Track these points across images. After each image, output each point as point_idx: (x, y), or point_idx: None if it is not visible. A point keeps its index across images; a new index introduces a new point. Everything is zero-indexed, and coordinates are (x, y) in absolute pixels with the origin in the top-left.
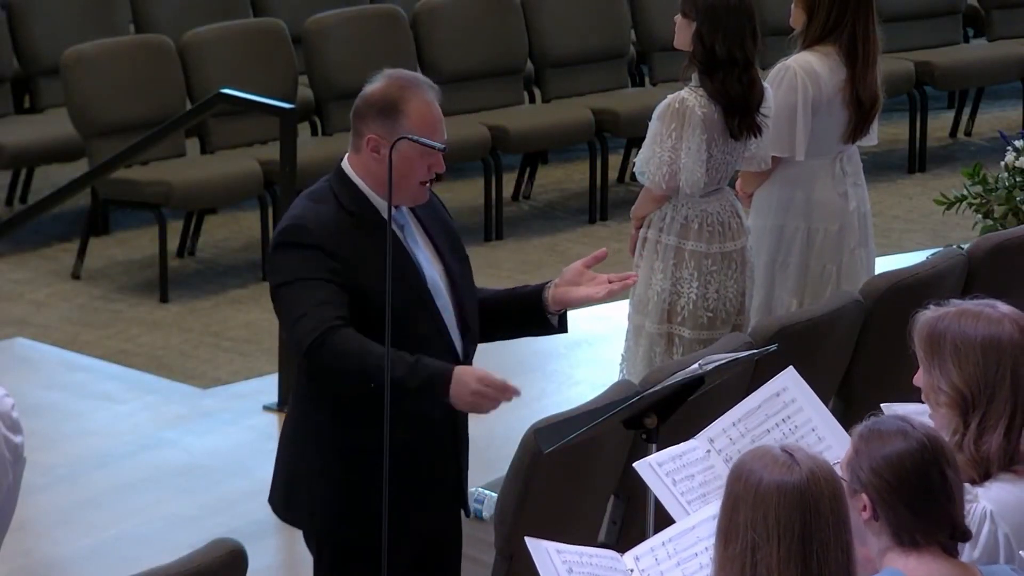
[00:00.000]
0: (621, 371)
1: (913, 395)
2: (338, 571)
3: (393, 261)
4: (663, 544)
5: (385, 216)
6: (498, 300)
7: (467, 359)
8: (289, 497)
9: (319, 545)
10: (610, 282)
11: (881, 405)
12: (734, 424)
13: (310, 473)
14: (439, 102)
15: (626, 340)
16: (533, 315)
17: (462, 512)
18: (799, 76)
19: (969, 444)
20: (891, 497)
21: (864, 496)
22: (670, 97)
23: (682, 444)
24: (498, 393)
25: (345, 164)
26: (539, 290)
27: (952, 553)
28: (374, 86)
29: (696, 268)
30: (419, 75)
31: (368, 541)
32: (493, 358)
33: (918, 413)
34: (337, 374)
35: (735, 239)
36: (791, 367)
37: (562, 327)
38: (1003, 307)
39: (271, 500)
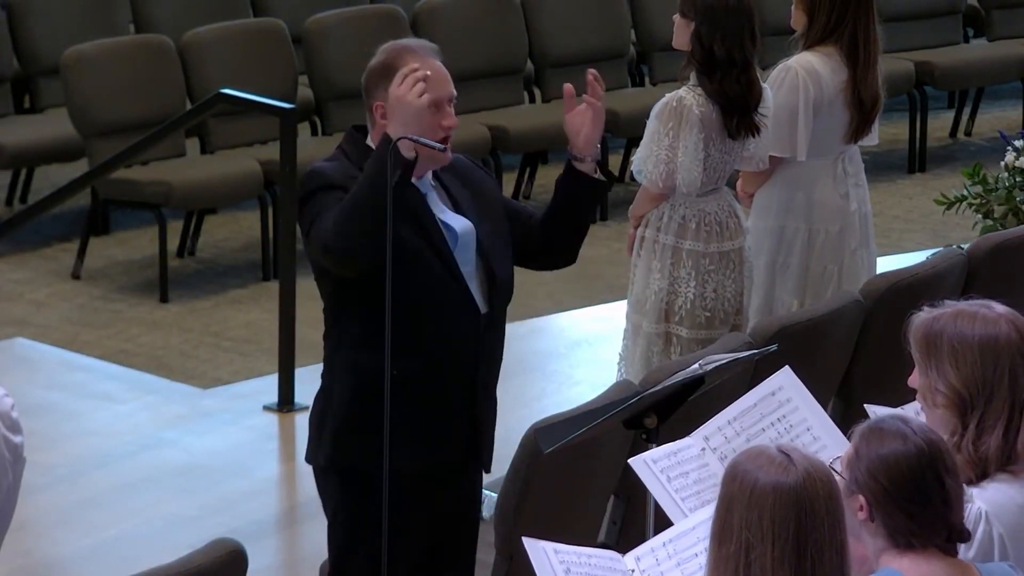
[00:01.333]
0: (619, 371)
1: (912, 395)
2: (346, 503)
3: (408, 207)
4: (664, 545)
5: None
6: (550, 206)
7: (492, 315)
8: (314, 433)
9: (329, 478)
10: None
11: (865, 406)
12: (729, 423)
13: (331, 402)
14: (439, 59)
15: (624, 339)
16: (576, 186)
17: (484, 468)
18: (800, 77)
19: (967, 445)
20: (886, 500)
21: (861, 497)
22: (668, 96)
23: (677, 441)
24: (411, 76)
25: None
26: (565, 167)
27: (949, 552)
28: (374, 59)
29: (694, 268)
30: (421, 40)
31: (377, 474)
32: None
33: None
34: (344, 237)
35: (733, 239)
36: (787, 367)
37: (604, 174)
38: (999, 307)
39: (307, 452)
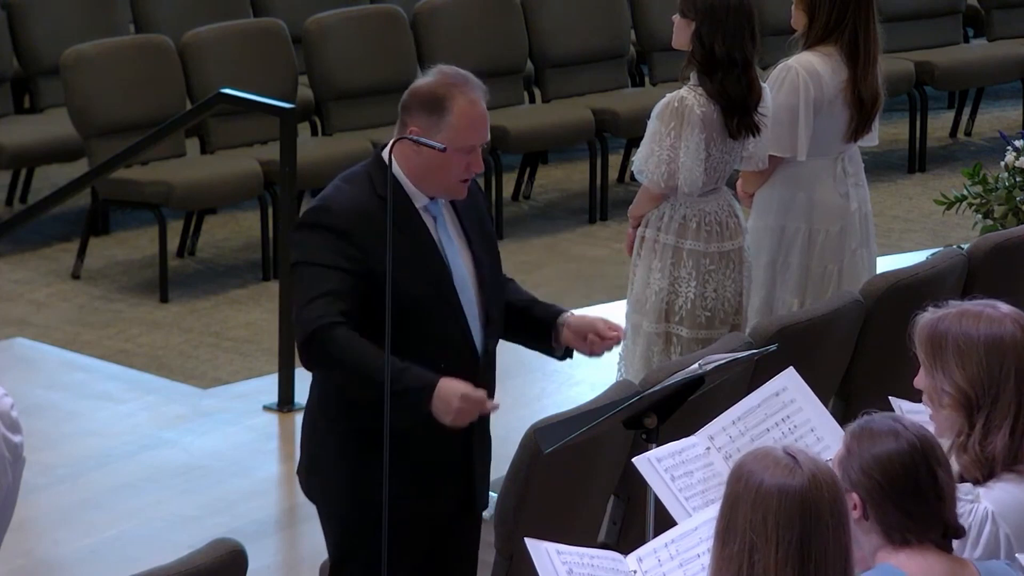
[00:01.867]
0: (619, 370)
1: (913, 395)
2: (348, 553)
3: (419, 252)
4: (666, 545)
5: (418, 205)
6: (518, 309)
7: (487, 354)
8: (309, 476)
9: (330, 525)
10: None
11: (889, 398)
12: (734, 422)
13: (324, 455)
14: (486, 100)
15: (624, 339)
16: (542, 339)
17: (477, 515)
18: (801, 76)
19: (974, 445)
20: (880, 497)
21: (854, 495)
22: (669, 96)
23: (682, 440)
24: (476, 408)
25: (386, 152)
26: (553, 319)
27: (945, 548)
28: (424, 80)
29: (694, 267)
30: (469, 74)
31: (378, 524)
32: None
33: (920, 412)
34: (327, 368)
35: (733, 238)
36: (791, 367)
37: (567, 357)
38: (1004, 307)
39: (298, 472)
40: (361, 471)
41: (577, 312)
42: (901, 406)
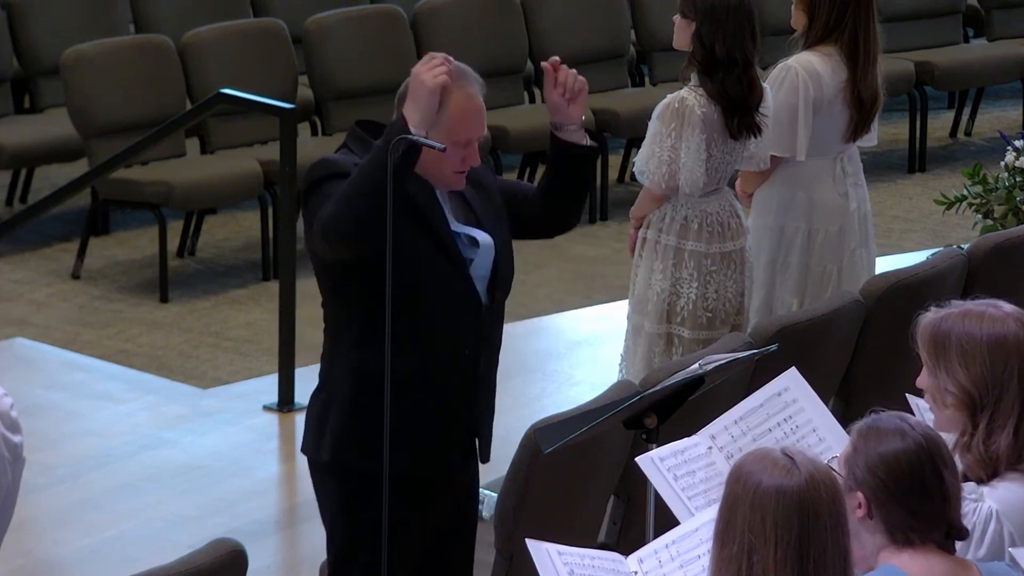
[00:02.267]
0: (620, 371)
1: (914, 395)
2: (345, 501)
3: (418, 202)
4: (667, 546)
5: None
6: (545, 180)
7: (493, 304)
8: (312, 426)
9: (328, 474)
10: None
11: (907, 396)
12: (736, 422)
13: (331, 397)
14: (483, 94)
15: (625, 340)
16: (562, 154)
17: (483, 460)
18: (800, 76)
19: (978, 444)
20: (886, 496)
21: (859, 494)
22: (670, 97)
23: (684, 440)
24: (425, 66)
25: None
26: (552, 144)
27: (948, 550)
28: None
29: (696, 268)
30: (466, 67)
31: (377, 471)
32: None
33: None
34: (345, 221)
35: (734, 239)
36: (793, 368)
37: (597, 138)
38: (1006, 306)
39: (303, 443)
40: (371, 407)
41: (578, 312)
42: (919, 404)
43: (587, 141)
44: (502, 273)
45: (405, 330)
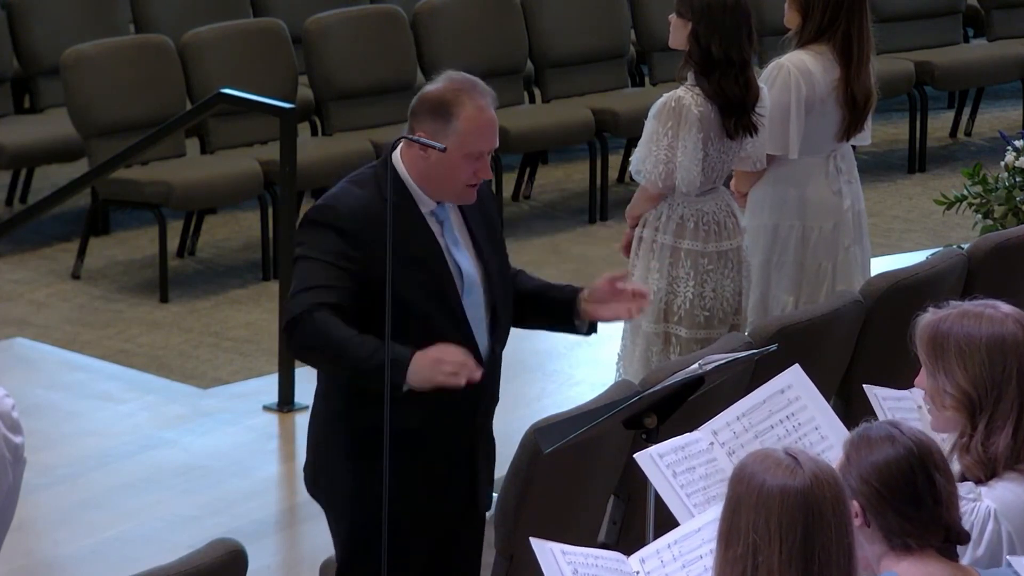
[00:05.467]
0: (618, 370)
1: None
2: (355, 553)
3: (423, 257)
4: (668, 546)
5: (424, 210)
6: (534, 295)
7: (492, 357)
8: (315, 476)
9: (338, 525)
10: (633, 299)
11: (864, 386)
12: (738, 418)
13: (330, 454)
14: (495, 106)
15: (623, 339)
16: (564, 319)
17: (481, 516)
18: (793, 75)
19: (976, 445)
20: (880, 503)
21: (855, 503)
22: (666, 96)
23: (685, 435)
24: (456, 362)
25: (396, 155)
26: (572, 297)
27: (948, 555)
28: (432, 86)
29: (692, 267)
30: (478, 80)
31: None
32: None
33: (899, 398)
34: (306, 353)
35: (731, 238)
36: (796, 365)
37: (592, 331)
38: (1004, 307)
39: (305, 472)
40: (367, 470)
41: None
42: (878, 394)
43: (582, 327)
44: (502, 320)
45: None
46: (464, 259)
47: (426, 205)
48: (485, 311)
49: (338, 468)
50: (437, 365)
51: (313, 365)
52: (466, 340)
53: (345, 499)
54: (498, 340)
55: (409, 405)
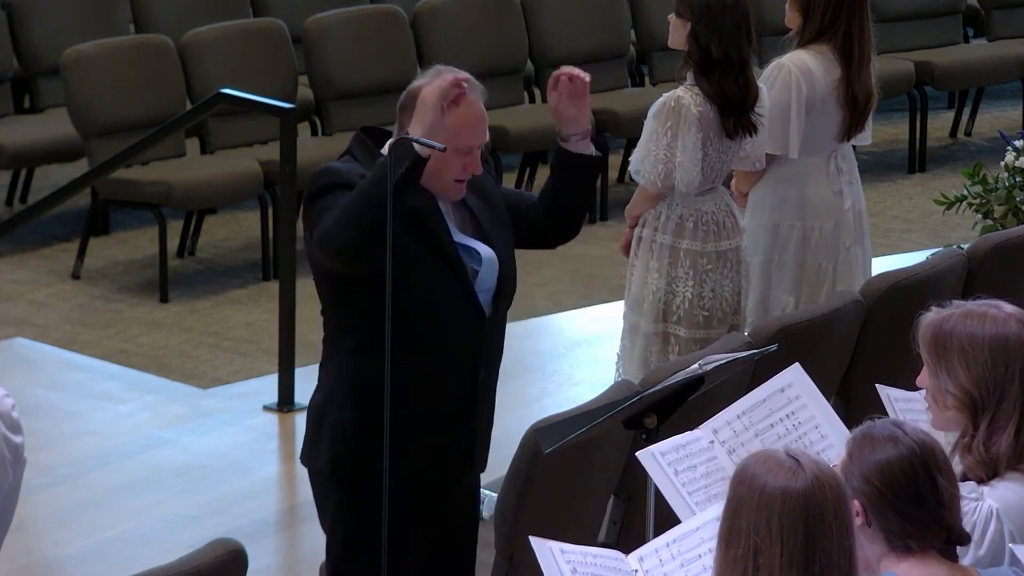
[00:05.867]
0: (617, 370)
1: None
2: (344, 510)
3: (420, 214)
4: (667, 545)
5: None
6: (548, 190)
7: (495, 314)
8: (311, 435)
9: (327, 483)
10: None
11: (876, 386)
12: (739, 416)
13: (330, 407)
14: (483, 100)
15: (622, 340)
16: (574, 167)
17: (477, 474)
18: (793, 74)
19: (978, 445)
20: (881, 504)
21: (857, 502)
22: (665, 95)
23: (686, 434)
24: (448, 80)
25: (387, 149)
26: (556, 153)
27: (949, 556)
28: (421, 81)
29: (691, 267)
30: (468, 76)
31: (376, 482)
32: None
33: (910, 399)
34: (345, 232)
35: (730, 238)
36: (797, 364)
37: (600, 150)
38: (1007, 307)
39: (302, 453)
40: (367, 420)
41: (577, 312)
42: (890, 394)
43: (593, 151)
44: (506, 286)
45: (405, 342)
46: (475, 244)
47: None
48: (495, 283)
49: (336, 420)
50: (422, 106)
51: (353, 240)
52: (467, 297)
53: (340, 452)
54: (501, 295)
55: (410, 359)
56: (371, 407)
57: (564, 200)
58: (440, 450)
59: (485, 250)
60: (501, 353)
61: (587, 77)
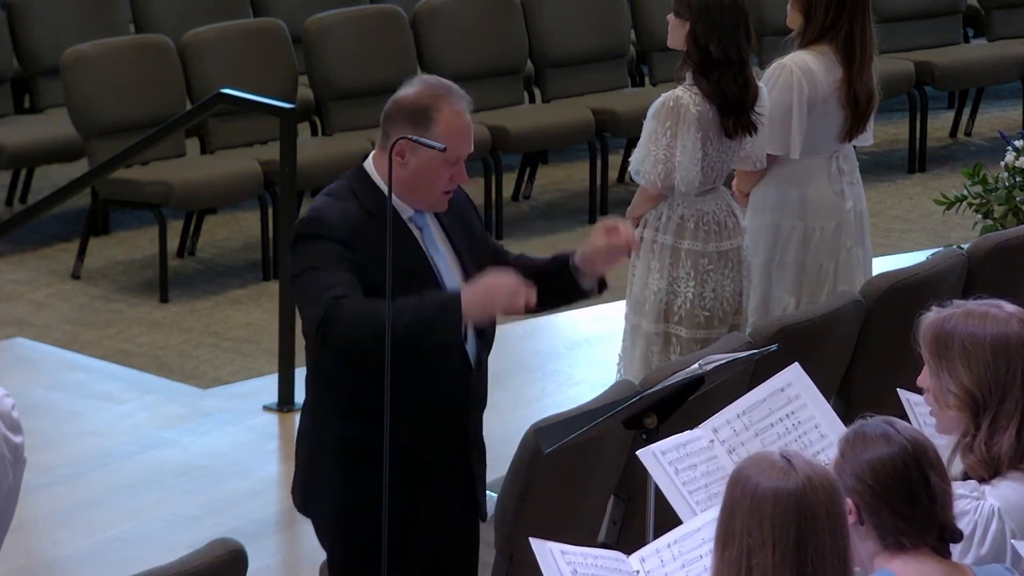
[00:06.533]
0: (618, 371)
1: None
2: (349, 571)
3: (410, 263)
4: (668, 546)
5: (404, 217)
6: (531, 271)
7: (479, 364)
8: (306, 496)
9: (332, 544)
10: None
11: (898, 390)
12: (739, 416)
13: (323, 474)
14: (470, 110)
15: (623, 340)
16: (569, 290)
17: (479, 520)
18: (795, 75)
19: (980, 445)
20: (874, 501)
21: (849, 500)
22: (665, 95)
23: (686, 433)
24: (508, 285)
25: (368, 164)
26: (565, 265)
27: (942, 553)
28: (407, 91)
29: (692, 267)
30: (452, 84)
31: (379, 541)
32: (493, 357)
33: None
34: (354, 340)
35: (731, 238)
36: (796, 363)
37: (603, 289)
38: (1008, 306)
39: (293, 493)
40: (359, 489)
41: (578, 312)
42: (910, 398)
43: (591, 287)
44: (487, 329)
45: (394, 404)
46: (444, 267)
47: (405, 212)
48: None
49: (331, 488)
50: (490, 295)
51: (362, 346)
52: (459, 349)
53: (340, 518)
54: (484, 346)
55: (399, 420)
56: (363, 474)
57: (541, 295)
58: (440, 507)
59: (449, 274)
60: (486, 399)
61: (638, 248)
